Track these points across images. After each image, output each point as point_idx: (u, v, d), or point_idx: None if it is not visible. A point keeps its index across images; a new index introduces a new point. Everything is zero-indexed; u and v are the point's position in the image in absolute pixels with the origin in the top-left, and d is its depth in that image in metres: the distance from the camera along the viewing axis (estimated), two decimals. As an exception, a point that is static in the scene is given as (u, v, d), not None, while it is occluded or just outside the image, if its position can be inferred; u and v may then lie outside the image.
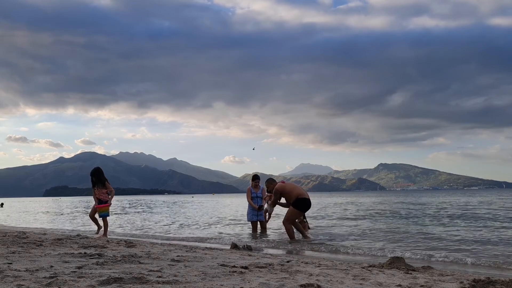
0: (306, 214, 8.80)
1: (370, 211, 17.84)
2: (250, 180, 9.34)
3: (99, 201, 7.76)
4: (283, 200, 8.09)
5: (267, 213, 8.99)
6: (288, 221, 7.66)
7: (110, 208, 8.07)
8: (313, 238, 7.96)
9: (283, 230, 8.17)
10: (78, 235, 6.92)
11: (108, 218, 7.92)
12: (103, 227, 8.03)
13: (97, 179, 7.82)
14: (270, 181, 8.47)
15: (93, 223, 9.47)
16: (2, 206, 35.70)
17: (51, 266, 3.03)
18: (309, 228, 9.48)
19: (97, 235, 8.13)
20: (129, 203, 38.79)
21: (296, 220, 7.87)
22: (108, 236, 7.72)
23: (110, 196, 7.92)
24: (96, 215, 8.82)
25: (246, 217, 9.59)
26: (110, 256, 3.77)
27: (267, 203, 8.56)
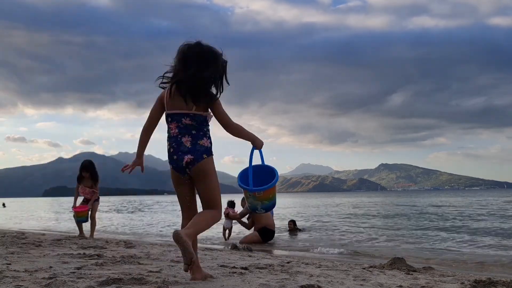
0: (304, 216, 8.74)
1: (370, 211, 17.84)
2: None
3: (82, 201, 6.79)
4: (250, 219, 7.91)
5: (226, 230, 8.09)
6: (246, 240, 7.33)
7: (96, 210, 6.95)
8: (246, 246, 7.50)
9: (283, 231, 8.14)
10: (77, 236, 6.89)
11: (107, 217, 7.76)
12: (90, 231, 6.97)
13: (92, 174, 6.72)
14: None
15: (90, 226, 7.14)
16: (4, 206, 35.62)
17: (50, 267, 3.01)
18: (299, 230, 9.39)
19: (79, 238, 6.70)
20: (129, 204, 38.77)
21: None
22: (108, 237, 7.68)
23: (94, 194, 6.81)
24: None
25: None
26: (109, 257, 3.75)
27: (226, 218, 7.91)
